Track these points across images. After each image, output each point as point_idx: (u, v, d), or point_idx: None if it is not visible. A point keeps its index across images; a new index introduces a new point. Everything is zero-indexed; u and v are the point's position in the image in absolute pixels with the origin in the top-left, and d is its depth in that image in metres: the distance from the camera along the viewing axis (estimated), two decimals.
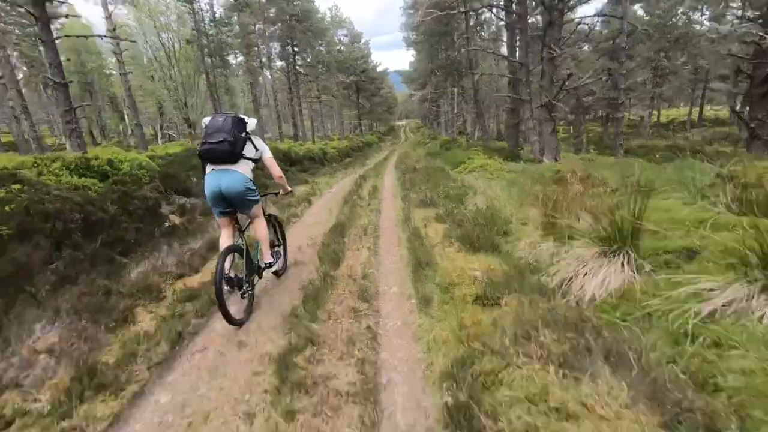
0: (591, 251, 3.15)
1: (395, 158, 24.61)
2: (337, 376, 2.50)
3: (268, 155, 3.64)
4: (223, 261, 3.06)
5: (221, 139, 3.17)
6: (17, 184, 4.70)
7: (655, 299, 2.47)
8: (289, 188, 4.08)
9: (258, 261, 3.77)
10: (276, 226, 4.41)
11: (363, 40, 46.04)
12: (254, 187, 3.49)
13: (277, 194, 4.23)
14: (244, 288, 3.36)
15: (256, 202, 3.55)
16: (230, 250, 3.28)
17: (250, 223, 3.73)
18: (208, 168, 3.33)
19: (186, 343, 3.09)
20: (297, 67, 24.12)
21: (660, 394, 1.87)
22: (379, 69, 50.22)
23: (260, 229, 3.68)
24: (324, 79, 37.01)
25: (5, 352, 2.82)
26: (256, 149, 3.54)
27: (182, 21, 20.27)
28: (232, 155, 3.25)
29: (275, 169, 3.70)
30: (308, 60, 30.41)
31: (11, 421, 2.22)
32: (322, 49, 35.40)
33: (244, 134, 3.38)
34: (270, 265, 3.79)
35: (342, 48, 42.77)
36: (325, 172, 17.35)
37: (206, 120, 3.38)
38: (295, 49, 22.62)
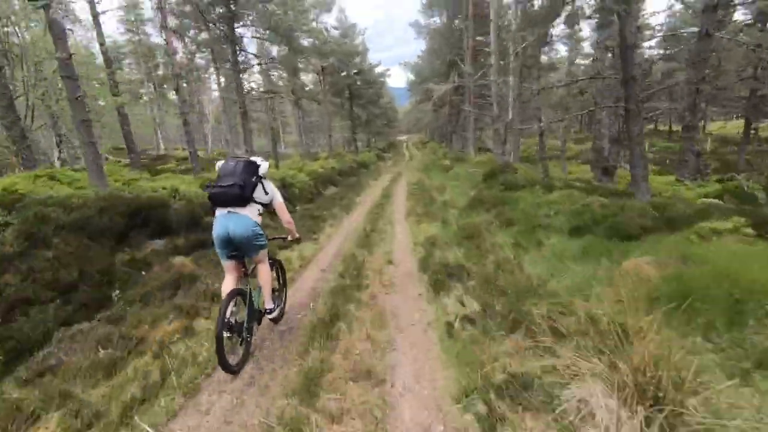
0: None
1: (403, 195, 14.72)
2: None
3: (278, 200, 3.68)
4: (226, 306, 3.07)
5: (231, 183, 3.24)
6: None
7: None
8: (297, 235, 4.08)
9: (259, 306, 3.72)
10: (279, 270, 4.38)
11: (358, 35, 36.28)
12: (262, 232, 3.52)
13: (284, 239, 4.17)
14: (243, 335, 3.36)
15: (263, 247, 3.58)
16: (234, 294, 3.25)
17: (255, 267, 3.71)
18: (218, 211, 3.37)
19: None
20: (239, 53, 14.38)
21: None
22: (378, 69, 40.46)
23: (264, 275, 3.67)
24: (301, 68, 27.22)
25: None
26: (267, 193, 3.57)
27: None
28: (242, 199, 3.30)
29: (285, 215, 3.74)
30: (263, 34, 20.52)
31: None
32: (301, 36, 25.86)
33: (255, 178, 3.42)
34: (270, 311, 3.79)
35: (329, 37, 33.12)
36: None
37: (219, 164, 3.48)
38: (233, 7, 13.32)
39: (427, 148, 45.73)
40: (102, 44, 13.39)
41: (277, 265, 4.34)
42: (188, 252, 7.73)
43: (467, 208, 10.15)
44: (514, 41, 13.53)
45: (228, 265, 3.49)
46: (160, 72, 38.92)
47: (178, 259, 7.50)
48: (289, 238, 4.09)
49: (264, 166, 3.52)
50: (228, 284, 3.44)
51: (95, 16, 13.17)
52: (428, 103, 33.15)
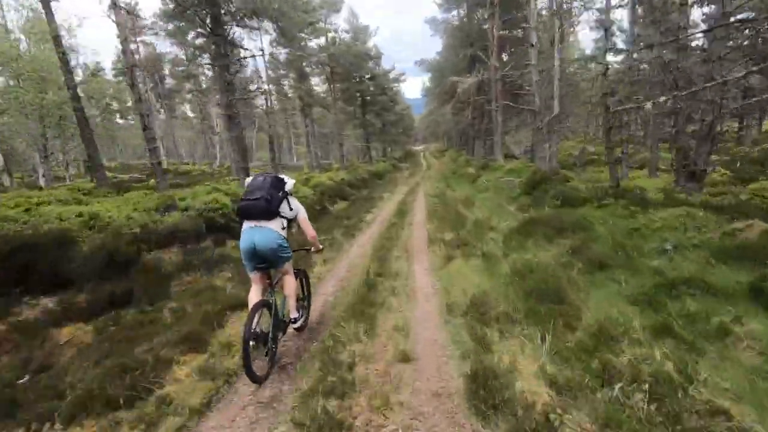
0: None
1: (422, 212, 11.93)
2: None
3: (302, 215, 3.76)
4: (253, 317, 3.10)
5: (258, 196, 3.36)
6: None
7: None
8: (321, 246, 4.08)
9: (284, 316, 3.72)
10: (303, 280, 4.31)
11: (370, 36, 33.71)
12: (287, 245, 3.58)
13: (308, 251, 4.22)
14: (269, 345, 3.35)
15: (288, 259, 3.64)
16: (260, 305, 3.28)
17: (280, 278, 3.77)
18: (245, 224, 3.44)
19: None
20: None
21: None
22: (393, 74, 37.82)
23: (289, 285, 3.72)
24: (309, 72, 24.80)
25: None
26: (291, 209, 3.66)
27: None
28: (268, 212, 3.38)
29: (309, 229, 3.80)
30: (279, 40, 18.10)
31: None
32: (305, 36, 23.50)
33: (281, 193, 3.53)
34: (295, 321, 3.76)
35: (339, 40, 30.73)
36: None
37: (248, 180, 3.63)
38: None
39: (445, 156, 42.70)
40: (55, 34, 10.89)
41: (301, 275, 4.24)
42: (95, 313, 5.02)
43: (516, 233, 7.09)
44: (559, 15, 10.48)
45: (254, 276, 3.55)
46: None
47: (68, 330, 4.84)
48: (312, 249, 4.06)
49: (290, 183, 3.65)
50: (254, 295, 3.49)
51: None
52: (447, 105, 30.23)
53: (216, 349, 3.80)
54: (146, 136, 9.93)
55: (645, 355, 2.82)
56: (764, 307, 3.22)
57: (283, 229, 3.55)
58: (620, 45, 14.68)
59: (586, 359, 2.92)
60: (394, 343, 3.66)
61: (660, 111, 9.14)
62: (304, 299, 4.28)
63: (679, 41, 8.21)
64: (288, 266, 3.69)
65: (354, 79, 33.08)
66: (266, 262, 3.49)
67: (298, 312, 3.82)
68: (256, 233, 3.37)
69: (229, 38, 12.73)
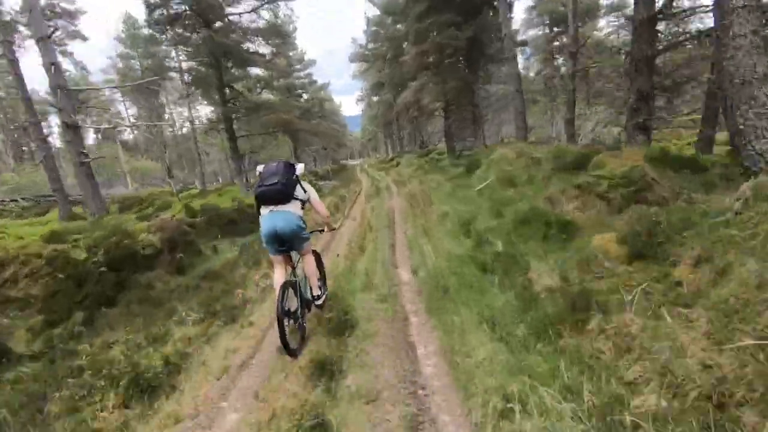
0: None
1: None
2: None
3: (314, 197, 3.95)
4: (282, 295, 3.35)
5: (275, 181, 3.52)
6: None
7: None
8: (335, 226, 4.48)
9: (308, 295, 4.04)
10: (318, 260, 4.41)
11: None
12: (305, 226, 3.80)
13: (322, 231, 4.42)
14: (299, 321, 3.68)
15: (307, 239, 3.88)
16: (286, 285, 3.51)
17: (301, 259, 3.98)
18: (264, 209, 3.62)
19: None
20: None
21: None
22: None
23: (310, 265, 3.98)
24: None
25: None
26: (305, 191, 3.86)
27: None
28: (285, 195, 3.56)
29: (322, 209, 4.03)
30: None
31: None
32: None
33: (294, 177, 3.73)
34: (318, 297, 4.08)
35: None
36: None
37: (260, 167, 3.80)
38: None
39: (400, 166, 29.06)
40: None
41: (316, 255, 4.35)
42: None
43: None
44: None
45: (277, 259, 3.79)
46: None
47: None
48: (326, 229, 4.35)
49: (300, 167, 3.85)
50: (279, 276, 3.74)
51: None
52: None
53: None
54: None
55: None
56: None
57: (301, 209, 3.72)
58: None
59: None
60: None
61: None
62: (322, 278, 4.47)
63: None
64: (307, 246, 3.90)
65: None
66: (287, 243, 3.66)
67: (320, 290, 4.13)
68: (276, 217, 3.52)
69: None
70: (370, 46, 28.81)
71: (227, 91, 18.29)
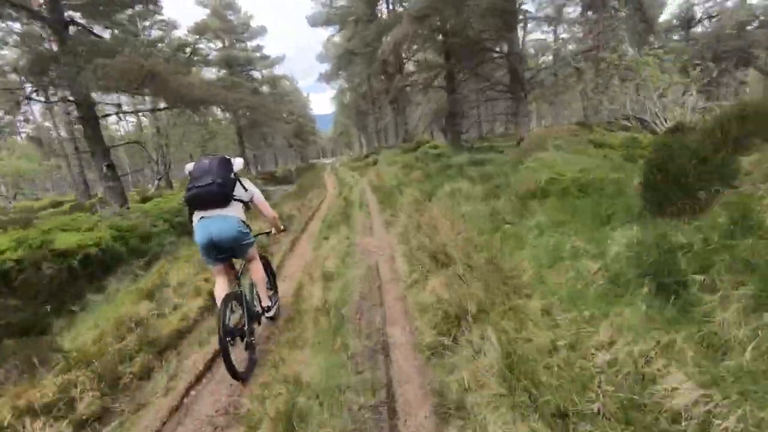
0: None
1: None
2: None
3: (258, 196, 3.51)
4: (224, 312, 2.87)
5: (210, 181, 3.01)
6: None
7: None
8: (283, 227, 3.93)
9: (256, 306, 3.53)
10: (267, 267, 4.01)
11: None
12: (248, 230, 3.35)
13: (269, 234, 3.99)
14: (246, 339, 3.16)
15: (251, 244, 3.43)
16: (229, 298, 3.04)
17: (246, 266, 3.54)
18: (196, 216, 3.13)
19: None
20: None
21: None
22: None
23: (258, 272, 3.51)
24: None
25: None
26: (246, 190, 3.40)
27: None
28: (224, 197, 3.09)
29: (267, 210, 3.61)
30: None
31: None
32: None
33: (232, 175, 3.24)
34: (269, 309, 3.62)
35: None
36: None
37: (189, 166, 3.22)
38: None
39: (374, 162, 21.87)
40: None
41: (264, 261, 3.88)
42: None
43: None
44: None
45: (217, 269, 3.31)
46: None
47: None
48: (273, 231, 3.90)
49: (238, 162, 3.36)
50: (221, 289, 3.26)
51: None
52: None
53: None
54: None
55: None
56: None
57: (244, 212, 3.30)
58: None
59: None
60: None
61: None
62: (273, 285, 4.10)
63: None
64: (252, 252, 3.45)
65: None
66: (228, 252, 3.23)
67: (271, 300, 3.70)
68: (213, 224, 3.05)
69: None
70: (338, 3, 21.70)
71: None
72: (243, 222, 3.25)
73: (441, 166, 11.63)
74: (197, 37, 19.06)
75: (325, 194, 15.56)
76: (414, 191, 9.61)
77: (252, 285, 3.59)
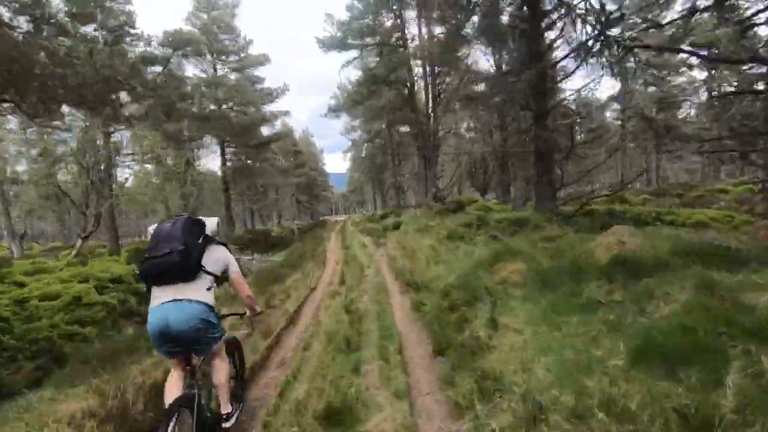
0: None
1: None
2: None
3: (234, 268, 2.70)
4: (168, 423, 2.03)
5: (169, 249, 2.31)
6: None
7: None
8: (259, 308, 3.00)
9: (211, 413, 2.60)
10: (236, 353, 3.23)
11: None
12: (215, 321, 2.50)
13: (242, 315, 3.05)
14: None
15: (217, 339, 2.55)
16: (178, 404, 2.19)
17: (207, 362, 2.65)
18: (154, 294, 2.37)
19: None
20: None
21: None
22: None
23: (220, 373, 2.63)
24: None
25: None
26: (218, 260, 2.59)
27: None
28: (186, 269, 2.35)
29: (243, 287, 2.79)
30: None
31: None
32: None
33: (201, 240, 2.51)
34: (227, 418, 2.62)
35: None
36: None
37: (152, 228, 2.56)
38: None
39: (395, 226, 16.10)
40: None
41: (233, 347, 3.15)
42: None
43: None
44: None
45: (171, 362, 2.50)
46: None
47: None
48: (248, 313, 2.97)
49: (211, 222, 2.69)
50: (172, 387, 2.40)
51: None
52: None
53: None
54: None
55: None
56: None
57: (209, 290, 2.47)
58: None
59: None
60: None
61: None
62: (239, 382, 3.21)
63: None
64: (217, 347, 2.61)
65: None
66: (185, 347, 2.40)
67: (232, 406, 2.71)
68: (170, 311, 2.28)
69: None
70: (357, 24, 17.27)
71: None
72: (210, 308, 2.43)
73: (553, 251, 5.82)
74: (171, 51, 14.73)
75: (320, 276, 9.73)
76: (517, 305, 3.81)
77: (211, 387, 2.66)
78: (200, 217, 2.70)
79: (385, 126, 26.55)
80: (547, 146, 7.92)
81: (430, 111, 18.44)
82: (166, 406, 2.24)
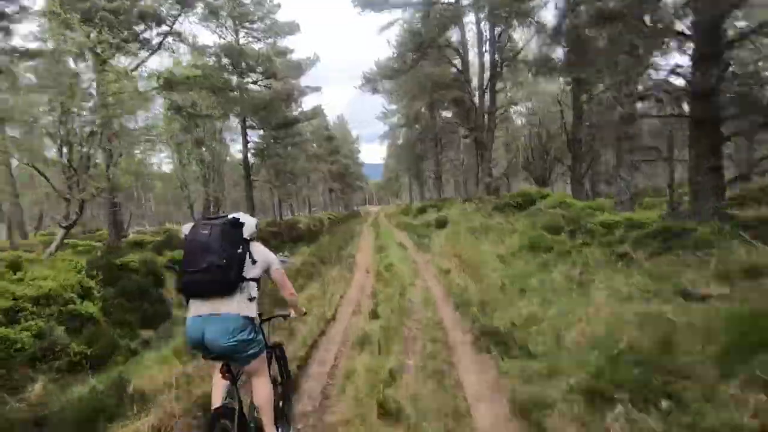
0: None
1: None
2: None
3: (276, 267, 2.46)
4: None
5: (206, 264, 2.09)
6: None
7: None
8: (304, 310, 2.86)
9: (255, 426, 2.37)
10: (281, 363, 2.90)
11: None
12: (253, 335, 2.23)
13: (285, 318, 2.88)
14: None
15: (256, 355, 2.27)
16: (220, 417, 2.07)
17: (246, 376, 2.40)
18: (191, 305, 2.22)
19: None
20: None
21: None
22: None
23: (261, 393, 2.35)
24: None
25: None
26: (254, 262, 2.29)
27: None
28: (227, 286, 2.15)
29: (287, 286, 2.56)
30: None
31: None
32: None
33: (241, 248, 2.21)
34: None
35: None
36: None
37: (186, 229, 2.28)
38: None
39: (440, 222, 13.12)
40: None
41: (276, 354, 2.82)
42: None
43: None
44: None
45: (213, 365, 2.39)
46: None
47: None
48: (292, 314, 2.77)
49: (250, 223, 2.33)
50: (218, 391, 2.30)
51: None
52: None
53: None
54: None
55: None
56: None
57: (252, 300, 2.25)
58: None
59: None
60: None
61: None
62: (285, 403, 2.77)
63: None
64: (258, 364, 2.31)
65: None
66: (223, 358, 2.20)
67: (278, 428, 2.42)
68: (207, 325, 2.12)
69: None
70: None
71: None
72: (250, 321, 2.24)
73: None
74: (178, 8, 12.40)
75: (343, 294, 6.99)
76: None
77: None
78: (238, 216, 2.31)
79: (425, 109, 23.40)
80: (715, 111, 4.75)
81: (485, 85, 15.18)
82: (212, 409, 2.18)
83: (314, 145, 40.54)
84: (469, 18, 15.42)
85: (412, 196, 40.10)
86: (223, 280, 2.14)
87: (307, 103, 29.72)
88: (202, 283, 2.15)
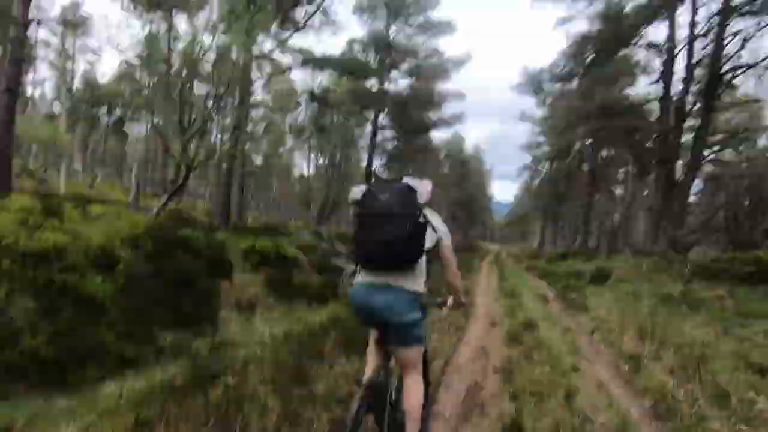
0: None
1: None
2: None
3: (446, 242, 2.01)
4: (357, 414, 1.65)
5: (391, 238, 1.75)
6: None
7: None
8: (463, 299, 2.27)
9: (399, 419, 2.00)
10: (426, 367, 2.32)
11: None
12: (421, 317, 1.93)
13: (441, 306, 2.25)
14: None
15: (419, 340, 1.96)
16: (370, 393, 1.81)
17: (400, 367, 2.08)
18: (362, 274, 1.97)
19: None
20: None
21: None
22: None
23: (413, 395, 1.96)
24: None
25: None
26: (434, 230, 1.95)
27: None
28: (408, 260, 1.84)
29: (453, 266, 2.06)
30: None
31: None
32: None
33: (421, 219, 1.83)
34: None
35: None
36: None
37: (357, 191, 1.90)
38: None
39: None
40: None
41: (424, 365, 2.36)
42: None
43: None
44: None
45: (374, 333, 2.11)
46: None
47: None
48: (449, 302, 2.20)
49: (425, 187, 1.89)
50: (370, 362, 2.12)
51: None
52: None
53: None
54: None
55: None
56: None
57: (425, 281, 1.99)
58: None
59: None
60: None
61: None
62: (427, 409, 2.35)
63: None
64: (415, 354, 1.97)
65: None
66: (385, 328, 1.96)
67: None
68: (377, 296, 1.88)
69: None
70: None
71: None
72: (418, 298, 1.92)
73: None
74: None
75: (448, 360, 4.21)
76: None
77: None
78: (409, 182, 1.88)
79: (587, 135, 19.26)
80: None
81: (690, 101, 10.82)
82: (364, 381, 1.91)
83: (447, 168, 38.80)
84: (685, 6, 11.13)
85: (544, 239, 35.04)
86: (406, 253, 1.81)
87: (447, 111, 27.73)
88: (383, 257, 1.83)
